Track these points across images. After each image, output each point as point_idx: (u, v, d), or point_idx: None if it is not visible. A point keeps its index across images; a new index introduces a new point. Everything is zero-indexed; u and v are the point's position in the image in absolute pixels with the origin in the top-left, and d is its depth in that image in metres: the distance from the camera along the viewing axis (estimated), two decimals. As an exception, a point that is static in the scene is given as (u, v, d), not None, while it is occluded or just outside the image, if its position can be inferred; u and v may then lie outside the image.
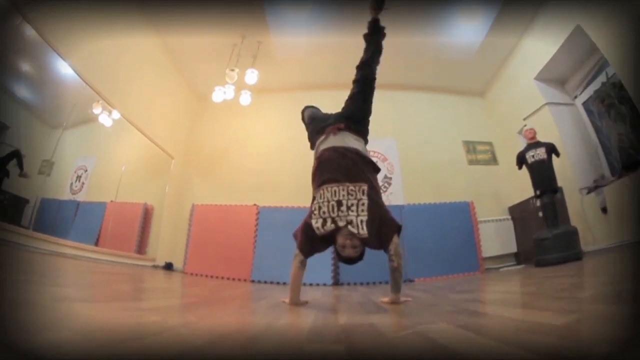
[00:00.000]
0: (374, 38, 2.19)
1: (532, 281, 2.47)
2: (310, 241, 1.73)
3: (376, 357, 0.70)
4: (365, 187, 1.70)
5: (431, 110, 6.39)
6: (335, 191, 1.70)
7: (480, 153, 6.05)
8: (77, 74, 3.78)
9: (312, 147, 2.08)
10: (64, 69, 3.65)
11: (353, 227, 1.63)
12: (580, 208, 4.26)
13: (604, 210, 3.96)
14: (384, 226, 1.68)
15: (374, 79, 2.12)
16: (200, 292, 2.26)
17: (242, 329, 1.00)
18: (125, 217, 5.07)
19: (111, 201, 4.68)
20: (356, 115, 2.02)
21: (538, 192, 4.21)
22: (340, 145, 1.84)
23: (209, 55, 5.54)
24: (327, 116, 2.09)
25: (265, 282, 4.61)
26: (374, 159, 1.99)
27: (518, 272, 3.89)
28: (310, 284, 4.44)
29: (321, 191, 1.74)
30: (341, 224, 1.66)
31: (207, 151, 6.31)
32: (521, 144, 4.97)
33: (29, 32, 3.16)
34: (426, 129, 6.15)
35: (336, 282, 4.60)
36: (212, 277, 4.84)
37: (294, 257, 1.77)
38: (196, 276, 4.78)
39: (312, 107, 2.35)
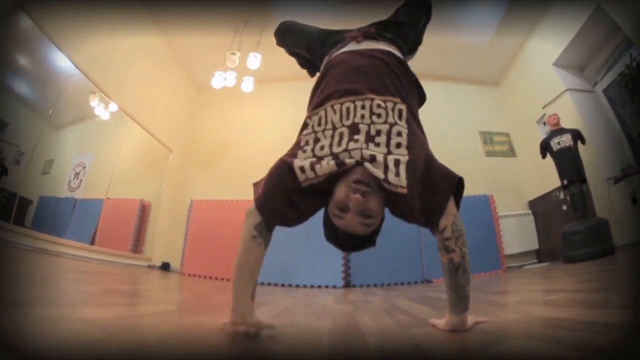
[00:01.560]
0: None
1: (578, 278, 2.17)
2: (283, 192, 0.92)
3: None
4: (403, 107, 0.98)
5: (446, 100, 6.20)
6: (348, 109, 0.96)
7: (497, 144, 5.89)
8: (74, 64, 3.69)
9: (319, 66, 1.33)
10: (60, 60, 3.58)
11: (378, 166, 0.88)
12: (607, 199, 4.06)
13: (634, 200, 3.78)
14: (433, 179, 0.92)
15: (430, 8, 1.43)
16: (186, 296, 1.95)
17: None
18: (122, 214, 4.95)
19: (107, 198, 4.54)
20: (399, 22, 1.32)
21: (565, 182, 3.98)
22: (364, 48, 1.14)
23: (210, 42, 5.32)
24: (341, 30, 1.34)
25: (269, 284, 4.37)
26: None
27: (546, 269, 3.69)
28: (319, 286, 4.19)
29: (322, 112, 1.00)
30: (350, 160, 0.88)
31: (207, 144, 6.18)
32: (540, 134, 4.86)
33: (26, 22, 3.09)
34: (441, 119, 5.92)
35: (347, 284, 4.32)
36: (210, 278, 4.66)
37: (246, 216, 0.98)
38: (193, 277, 4.62)
39: (295, 22, 1.56)
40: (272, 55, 5.40)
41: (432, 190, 0.90)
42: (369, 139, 0.91)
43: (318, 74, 1.19)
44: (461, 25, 5.11)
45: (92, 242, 4.12)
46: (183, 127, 6.14)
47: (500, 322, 1.03)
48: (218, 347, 0.75)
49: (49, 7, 3.26)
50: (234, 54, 5.08)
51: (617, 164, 4.18)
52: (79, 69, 3.77)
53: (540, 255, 4.96)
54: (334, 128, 0.95)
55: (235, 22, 4.98)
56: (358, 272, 4.36)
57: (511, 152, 5.84)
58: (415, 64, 4.77)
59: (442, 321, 0.96)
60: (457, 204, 0.95)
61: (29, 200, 3.33)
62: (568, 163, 3.99)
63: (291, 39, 1.49)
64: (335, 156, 0.90)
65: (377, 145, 0.90)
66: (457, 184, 0.94)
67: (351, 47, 1.16)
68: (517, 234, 4.95)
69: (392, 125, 0.92)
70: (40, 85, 3.54)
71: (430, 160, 0.95)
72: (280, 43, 1.56)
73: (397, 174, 0.86)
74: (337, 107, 0.97)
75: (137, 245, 4.91)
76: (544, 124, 4.74)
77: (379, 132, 0.91)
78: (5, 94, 3.04)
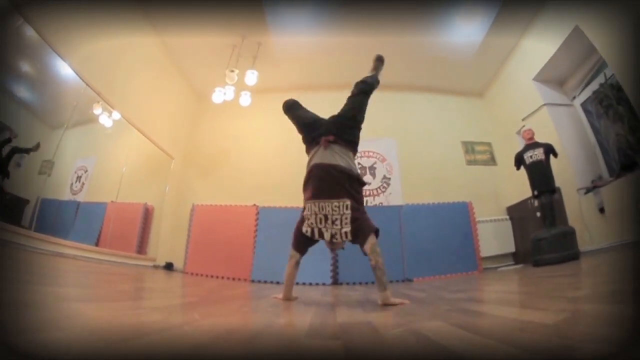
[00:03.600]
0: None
1: (528, 280, 2.50)
2: (303, 241, 2.00)
3: (372, 352, 0.73)
4: (348, 203, 1.87)
5: (430, 111, 6.41)
6: (322, 206, 1.90)
7: (478, 153, 6.08)
8: (77, 74, 3.79)
9: (307, 152, 2.17)
10: (63, 69, 3.66)
11: (336, 239, 1.87)
12: (578, 208, 4.28)
13: (602, 210, 3.98)
14: (362, 231, 1.82)
15: (371, 90, 2.26)
16: (200, 291, 2.30)
17: (243, 327, 1.04)
18: (126, 217, 5.06)
19: (111, 201, 4.68)
20: (347, 123, 2.12)
21: (536, 193, 4.22)
22: (327, 162, 1.98)
23: (209, 55, 5.56)
24: (318, 123, 2.17)
25: (265, 281, 4.61)
26: (362, 170, 2.03)
27: (516, 271, 3.90)
28: (310, 284, 4.47)
29: (309, 204, 1.95)
30: (327, 236, 1.89)
31: (207, 151, 6.32)
32: (520, 145, 4.97)
33: (29, 32, 3.15)
34: (425, 130, 6.17)
35: (335, 282, 4.61)
36: (212, 276, 4.84)
37: (290, 257, 2.03)
38: (196, 276, 4.79)
39: (294, 102, 2.39)
40: (268, 69, 5.73)
41: (362, 234, 1.82)
42: (333, 222, 1.88)
43: (306, 171, 2.06)
44: (446, 40, 5.29)
45: (96, 244, 4.23)
46: (184, 135, 6.26)
47: (431, 310, 1.38)
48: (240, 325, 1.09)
49: (50, 14, 3.31)
50: (232, 71, 5.29)
51: (589, 175, 4.39)
52: (84, 81, 3.85)
53: (517, 257, 5.16)
54: (316, 214, 1.92)
55: (234, 37, 5.21)
56: (345, 271, 4.64)
57: (492, 161, 6.03)
58: (402, 76, 4.97)
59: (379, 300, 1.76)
60: (376, 236, 1.84)
61: (26, 199, 3.37)
62: (539, 175, 4.22)
63: (294, 115, 2.32)
64: (319, 230, 1.92)
65: (337, 224, 1.87)
66: (375, 229, 1.85)
67: (320, 157, 2.01)
68: (495, 237, 5.17)
69: (342, 215, 1.87)
70: (42, 90, 3.58)
71: (363, 221, 1.86)
72: (287, 114, 2.37)
73: (347, 236, 1.85)
74: (316, 203, 1.92)
75: (142, 247, 5.06)
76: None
77: (336, 219, 1.87)
78: (5, 97, 3.10)
